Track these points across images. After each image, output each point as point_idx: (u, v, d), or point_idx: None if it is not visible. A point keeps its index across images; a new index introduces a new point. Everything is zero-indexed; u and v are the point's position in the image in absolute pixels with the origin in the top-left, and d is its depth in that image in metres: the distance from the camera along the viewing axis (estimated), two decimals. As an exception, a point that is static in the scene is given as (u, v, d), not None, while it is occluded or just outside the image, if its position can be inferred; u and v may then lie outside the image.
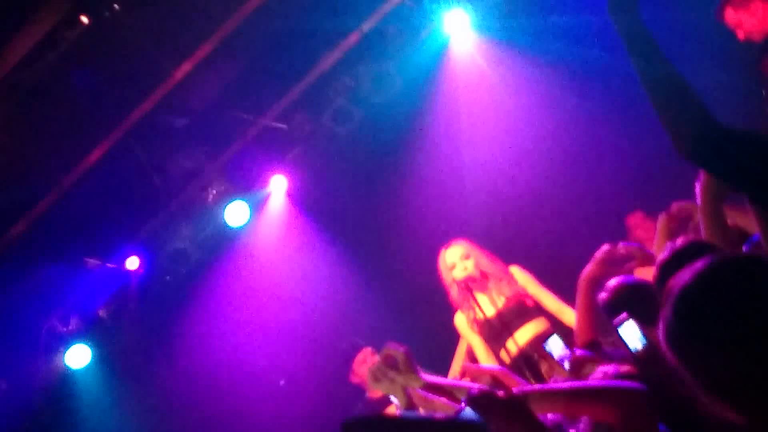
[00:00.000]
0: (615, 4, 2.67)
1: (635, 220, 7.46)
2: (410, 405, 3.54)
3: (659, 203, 5.47)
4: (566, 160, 8.05)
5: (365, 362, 7.39)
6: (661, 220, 4.58)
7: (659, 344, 3.51)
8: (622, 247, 4.26)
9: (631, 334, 3.67)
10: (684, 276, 1.97)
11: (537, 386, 2.74)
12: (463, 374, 5.30)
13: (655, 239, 4.64)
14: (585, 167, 8.01)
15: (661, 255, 3.53)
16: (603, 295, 4.10)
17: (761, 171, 2.86)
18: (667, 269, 3.63)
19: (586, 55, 7.50)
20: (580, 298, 4.27)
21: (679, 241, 3.62)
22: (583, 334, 4.17)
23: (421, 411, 3.40)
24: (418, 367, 3.46)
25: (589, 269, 4.26)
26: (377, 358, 3.53)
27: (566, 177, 8.07)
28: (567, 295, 6.54)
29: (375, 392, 7.31)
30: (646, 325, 3.70)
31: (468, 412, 2.26)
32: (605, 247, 4.27)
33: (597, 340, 4.12)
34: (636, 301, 3.85)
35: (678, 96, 2.70)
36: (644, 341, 3.61)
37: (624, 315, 3.68)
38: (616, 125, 7.74)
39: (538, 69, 7.78)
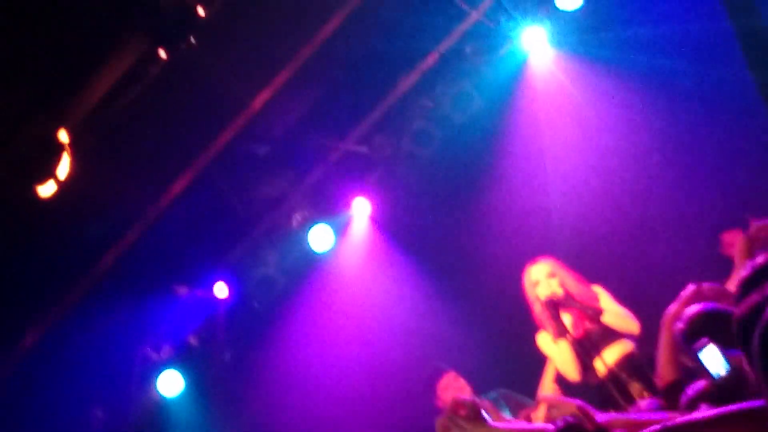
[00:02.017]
0: (734, 7, 2.60)
1: (731, 238, 7.21)
2: None
3: (755, 218, 5.31)
4: (653, 177, 7.86)
5: (449, 387, 7.33)
6: (740, 240, 4.45)
7: (743, 368, 3.39)
8: (707, 287, 4.16)
9: (713, 360, 3.55)
10: None
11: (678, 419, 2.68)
12: (539, 403, 5.21)
13: (735, 261, 4.52)
14: (674, 183, 7.81)
15: (742, 272, 3.42)
16: (679, 325, 4.00)
17: None
18: (749, 287, 3.51)
19: (670, 67, 7.34)
20: (663, 336, 4.18)
21: (760, 258, 3.50)
22: (666, 374, 4.07)
23: None
24: (487, 416, 3.44)
25: (673, 309, 4.17)
26: (457, 388, 3.52)
27: (654, 194, 7.88)
28: (653, 314, 6.39)
29: None
30: (728, 349, 3.58)
31: None
32: (690, 287, 4.18)
33: (680, 380, 4.01)
34: (714, 329, 3.73)
35: None
36: (727, 366, 3.49)
37: (705, 340, 3.56)
38: (705, 139, 7.54)
39: (620, 82, 7.64)
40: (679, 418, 2.71)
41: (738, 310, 2.36)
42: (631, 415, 4.49)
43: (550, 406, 4.62)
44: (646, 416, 4.20)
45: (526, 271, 6.36)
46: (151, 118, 6.65)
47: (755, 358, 1.91)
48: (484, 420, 3.37)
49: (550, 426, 3.35)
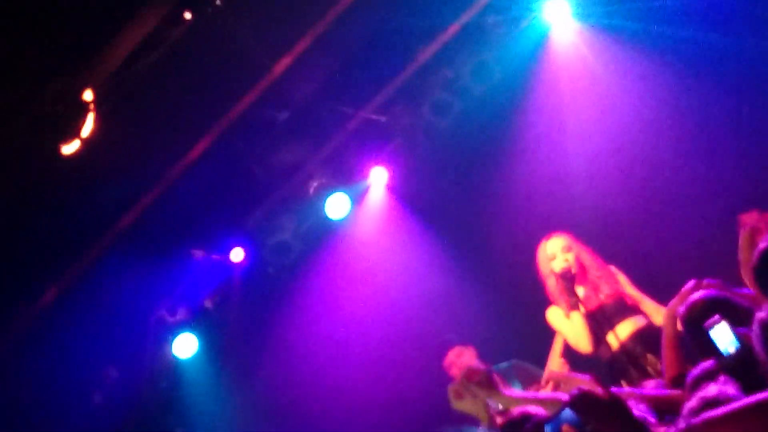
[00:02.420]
0: None
1: (750, 219, 7.16)
2: (492, 422, 3.56)
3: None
4: (676, 154, 7.80)
5: (458, 358, 7.39)
6: (742, 235, 4.49)
7: (753, 345, 3.42)
8: (707, 283, 4.18)
9: (723, 337, 3.57)
10: None
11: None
12: (547, 380, 5.24)
13: (739, 252, 4.56)
14: (696, 161, 7.75)
15: (762, 244, 3.43)
16: (681, 309, 4.02)
17: None
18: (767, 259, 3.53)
19: (696, 39, 7.27)
20: (666, 331, 4.21)
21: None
22: (671, 368, 4.10)
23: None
24: (501, 384, 3.47)
25: (674, 304, 4.21)
26: (467, 358, 3.57)
27: (675, 172, 7.83)
28: (668, 296, 6.41)
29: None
30: (738, 327, 3.60)
31: (567, 412, 2.25)
32: (690, 284, 4.21)
33: (685, 373, 4.04)
34: (723, 312, 3.75)
35: None
36: (737, 344, 3.51)
37: (717, 317, 3.58)
38: (730, 116, 7.48)
39: (644, 56, 7.58)
40: (703, 416, 2.71)
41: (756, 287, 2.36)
42: (642, 390, 4.52)
43: (560, 382, 4.67)
44: (655, 392, 4.24)
45: (541, 246, 6.38)
46: (173, 80, 6.68)
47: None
48: (496, 387, 3.42)
49: (563, 395, 3.38)
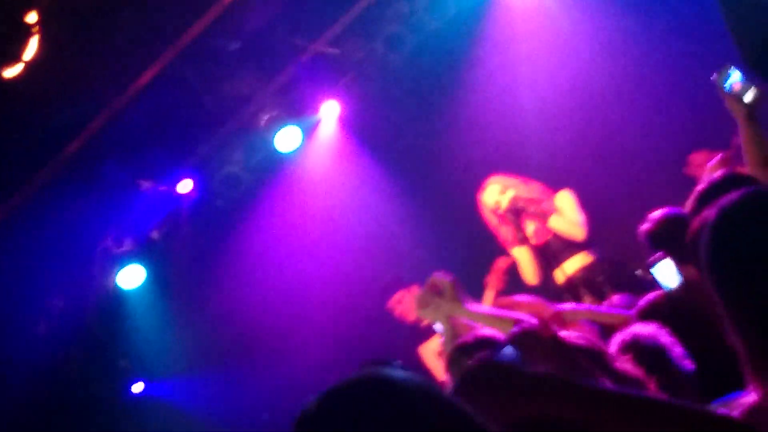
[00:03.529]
0: None
1: (699, 159, 7.26)
2: (453, 332, 3.56)
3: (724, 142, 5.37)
4: (626, 96, 7.86)
5: (404, 300, 7.45)
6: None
7: (694, 282, 3.47)
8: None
9: (666, 273, 3.64)
10: (723, 201, 1.97)
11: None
12: (499, 306, 5.27)
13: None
14: (647, 103, 7.82)
15: (699, 186, 3.49)
16: (646, 226, 4.06)
17: None
18: (704, 199, 3.59)
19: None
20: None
21: (717, 173, 3.58)
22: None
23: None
24: (464, 297, 3.48)
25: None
26: (418, 291, 3.57)
27: (626, 113, 7.89)
28: (614, 223, 6.48)
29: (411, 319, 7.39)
30: (682, 262, 3.66)
31: (508, 349, 2.24)
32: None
33: None
34: (677, 235, 3.80)
35: (748, 3, 2.74)
36: (680, 279, 3.57)
37: (660, 254, 3.64)
38: (681, 63, 7.53)
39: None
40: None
41: (692, 226, 2.42)
42: (592, 307, 4.57)
43: (510, 306, 4.70)
44: (605, 310, 4.29)
45: (481, 201, 6.42)
46: (122, 3, 6.51)
47: (704, 270, 1.99)
48: (460, 301, 3.44)
49: (523, 315, 3.41)
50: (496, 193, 6.32)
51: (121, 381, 8.48)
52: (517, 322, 2.69)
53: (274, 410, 8.29)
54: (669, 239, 3.75)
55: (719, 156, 5.57)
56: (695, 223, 2.20)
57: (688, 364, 3.08)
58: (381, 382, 1.54)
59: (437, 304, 3.50)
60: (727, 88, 3.78)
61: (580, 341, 2.58)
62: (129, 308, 8.42)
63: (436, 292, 3.53)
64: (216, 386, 8.57)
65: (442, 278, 3.52)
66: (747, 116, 3.75)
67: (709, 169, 5.14)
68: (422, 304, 3.51)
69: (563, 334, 2.52)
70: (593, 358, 2.50)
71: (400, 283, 7.68)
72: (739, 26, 2.90)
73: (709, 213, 2.01)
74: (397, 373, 1.57)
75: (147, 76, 7.20)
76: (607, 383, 2.23)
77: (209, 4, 7.05)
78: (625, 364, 2.67)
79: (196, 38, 7.20)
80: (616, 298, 4.49)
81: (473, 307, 3.48)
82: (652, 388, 2.69)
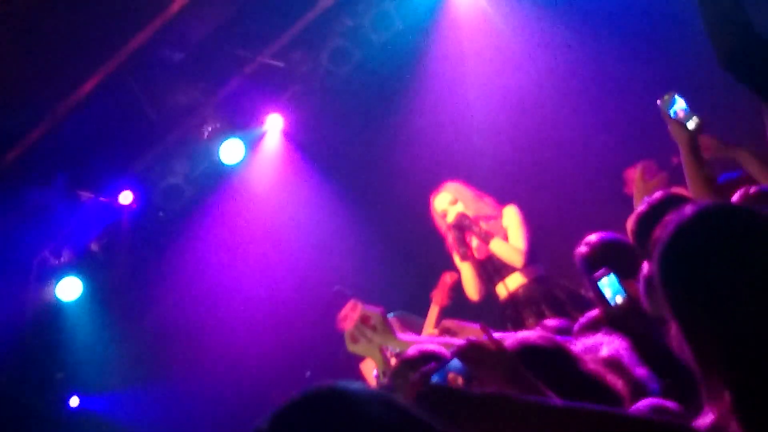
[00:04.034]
0: None
1: (633, 175, 7.35)
2: (387, 365, 3.56)
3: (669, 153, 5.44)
4: (572, 105, 7.95)
5: (348, 315, 7.42)
6: (636, 182, 4.65)
7: (638, 297, 3.53)
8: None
9: (611, 288, 3.70)
10: (676, 218, 1.96)
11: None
12: (441, 330, 5.28)
13: (634, 202, 4.70)
14: (591, 118, 7.92)
15: (639, 208, 3.56)
16: (583, 249, 4.11)
17: None
18: (645, 221, 3.67)
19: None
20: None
21: (656, 194, 3.65)
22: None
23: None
24: (395, 328, 3.49)
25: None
26: (357, 313, 3.55)
27: (571, 126, 7.98)
28: (558, 239, 6.53)
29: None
30: (626, 279, 3.72)
31: (455, 362, 2.25)
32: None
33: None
34: (614, 256, 3.86)
35: (727, 7, 2.79)
36: (624, 295, 3.64)
37: (603, 270, 3.70)
38: (629, 74, 7.64)
39: (543, 9, 7.68)
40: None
41: (653, 236, 2.42)
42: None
43: (452, 331, 4.71)
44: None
45: (432, 203, 6.44)
46: (65, 10, 6.42)
47: (658, 287, 1.97)
48: (391, 331, 3.43)
49: (457, 340, 3.42)
50: (446, 203, 6.35)
51: (57, 394, 8.31)
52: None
53: (213, 425, 8.20)
54: (604, 263, 3.81)
55: (641, 166, 5.69)
56: (656, 233, 2.24)
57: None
58: (337, 394, 1.50)
59: (369, 337, 3.48)
60: (672, 114, 3.86)
61: (541, 341, 2.60)
62: (66, 321, 8.28)
63: (367, 325, 3.51)
64: (154, 400, 8.45)
65: (371, 311, 3.50)
66: (689, 142, 3.83)
67: (634, 181, 5.24)
68: (354, 339, 3.48)
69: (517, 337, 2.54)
70: (556, 359, 2.53)
71: (342, 299, 7.66)
72: (715, 27, 2.97)
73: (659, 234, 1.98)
74: (352, 385, 1.52)
75: (89, 85, 7.12)
76: (556, 397, 2.24)
77: (154, 14, 7.00)
78: (590, 365, 2.69)
79: (141, 48, 7.14)
80: (551, 323, 4.47)
81: (405, 336, 3.49)
82: (620, 388, 2.71)
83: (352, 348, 3.54)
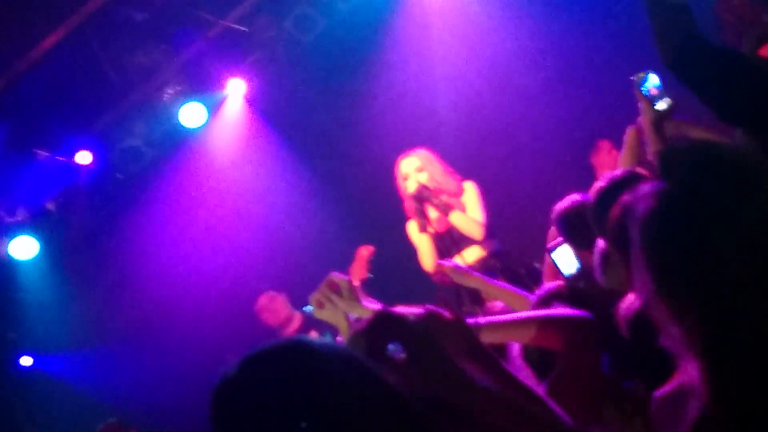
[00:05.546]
0: None
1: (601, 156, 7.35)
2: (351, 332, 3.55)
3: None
4: (539, 79, 7.97)
5: (268, 307, 7.51)
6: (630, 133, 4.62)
7: (591, 268, 3.57)
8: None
9: (565, 259, 3.75)
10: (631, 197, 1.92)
11: (487, 318, 2.82)
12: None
13: (623, 152, 4.68)
14: (560, 92, 7.94)
15: (599, 183, 3.59)
16: (562, 205, 4.14)
17: (731, 86, 2.98)
18: (605, 196, 3.70)
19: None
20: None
21: (618, 171, 3.69)
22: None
23: None
24: (361, 296, 3.48)
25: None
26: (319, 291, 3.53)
27: (539, 99, 8.00)
28: (516, 215, 6.58)
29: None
30: (581, 249, 3.77)
31: None
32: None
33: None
34: (583, 221, 3.89)
35: (674, 7, 2.83)
36: (578, 265, 3.69)
37: (559, 240, 3.74)
38: (597, 42, 7.67)
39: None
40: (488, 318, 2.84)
41: (612, 212, 2.40)
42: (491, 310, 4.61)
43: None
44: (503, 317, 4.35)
45: (398, 164, 6.41)
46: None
47: (637, 253, 1.91)
48: (357, 299, 3.43)
49: (419, 309, 3.43)
50: (412, 168, 6.31)
51: (8, 353, 8.26)
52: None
53: (166, 385, 8.18)
54: (577, 224, 3.84)
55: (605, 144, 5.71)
56: (615, 209, 2.24)
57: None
58: (302, 348, 1.65)
59: (335, 303, 3.48)
60: (644, 91, 3.89)
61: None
62: (20, 280, 8.22)
63: (334, 291, 3.50)
64: (107, 362, 8.43)
65: (338, 277, 3.49)
66: (655, 122, 3.88)
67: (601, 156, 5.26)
68: (320, 304, 3.47)
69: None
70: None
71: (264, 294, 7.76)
72: (662, 27, 3.02)
73: (632, 198, 1.92)
74: (317, 339, 1.68)
75: (49, 42, 7.00)
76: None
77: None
78: None
79: (102, 6, 7.03)
80: (498, 306, 4.49)
81: (371, 304, 3.48)
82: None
83: (318, 314, 3.53)
